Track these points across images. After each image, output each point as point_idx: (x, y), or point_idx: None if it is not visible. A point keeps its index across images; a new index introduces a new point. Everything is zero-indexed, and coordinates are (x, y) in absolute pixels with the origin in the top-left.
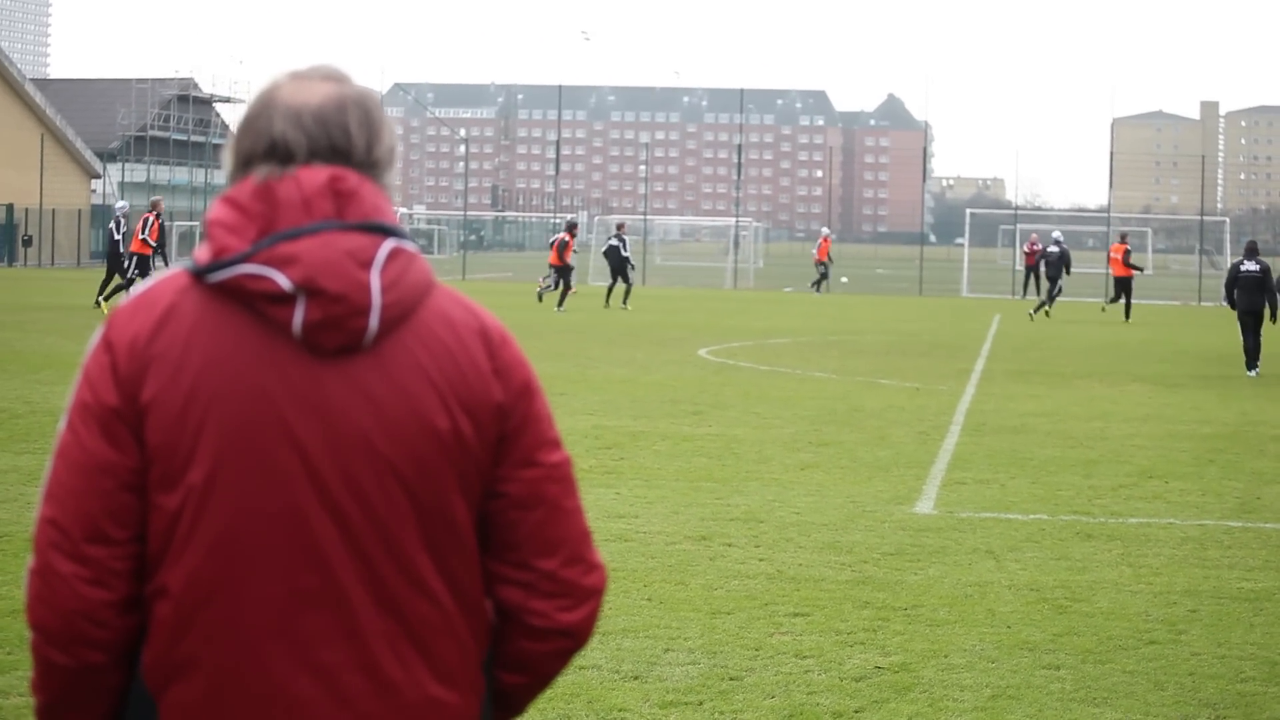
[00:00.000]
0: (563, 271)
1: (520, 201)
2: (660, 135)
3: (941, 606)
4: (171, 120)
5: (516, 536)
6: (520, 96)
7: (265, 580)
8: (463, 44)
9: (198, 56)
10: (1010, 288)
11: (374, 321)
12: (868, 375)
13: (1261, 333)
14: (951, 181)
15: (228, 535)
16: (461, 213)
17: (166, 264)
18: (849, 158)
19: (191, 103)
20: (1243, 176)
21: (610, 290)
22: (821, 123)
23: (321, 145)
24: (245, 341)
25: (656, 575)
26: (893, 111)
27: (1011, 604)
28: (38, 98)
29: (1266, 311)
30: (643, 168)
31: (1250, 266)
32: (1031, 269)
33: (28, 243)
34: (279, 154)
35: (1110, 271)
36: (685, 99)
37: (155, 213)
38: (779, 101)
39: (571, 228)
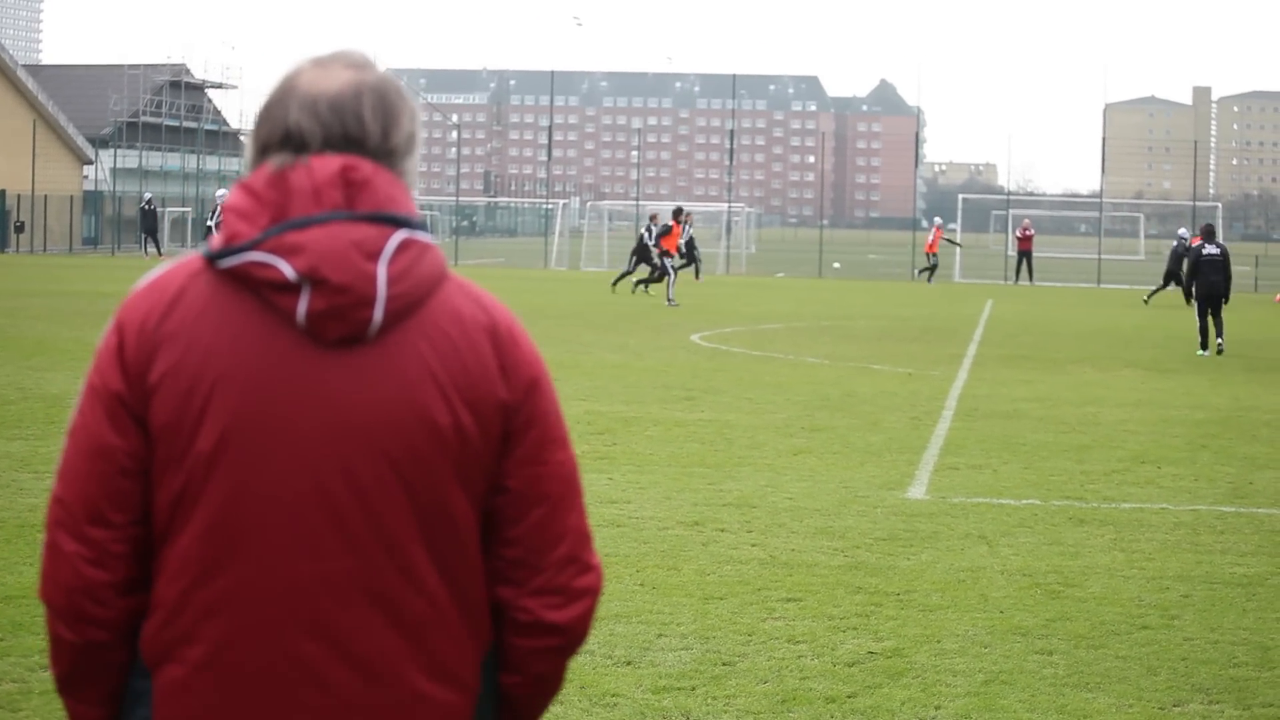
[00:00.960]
0: (663, 258)
1: (513, 187)
2: (653, 121)
3: (934, 591)
4: (164, 106)
5: (515, 533)
6: (512, 82)
7: (257, 564)
8: (455, 29)
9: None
10: (1003, 273)
11: (378, 313)
12: (860, 361)
13: (1222, 314)
14: (944, 167)
15: (222, 517)
16: (454, 198)
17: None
18: (841, 143)
19: (184, 88)
20: (1235, 162)
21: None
22: (814, 108)
23: (335, 133)
24: (251, 327)
25: (649, 560)
26: (885, 97)
27: (1004, 589)
28: (30, 84)
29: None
30: (635, 153)
31: (1211, 250)
32: (1024, 254)
33: (20, 229)
34: (294, 142)
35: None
36: (678, 84)
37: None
38: (771, 87)
39: (678, 214)
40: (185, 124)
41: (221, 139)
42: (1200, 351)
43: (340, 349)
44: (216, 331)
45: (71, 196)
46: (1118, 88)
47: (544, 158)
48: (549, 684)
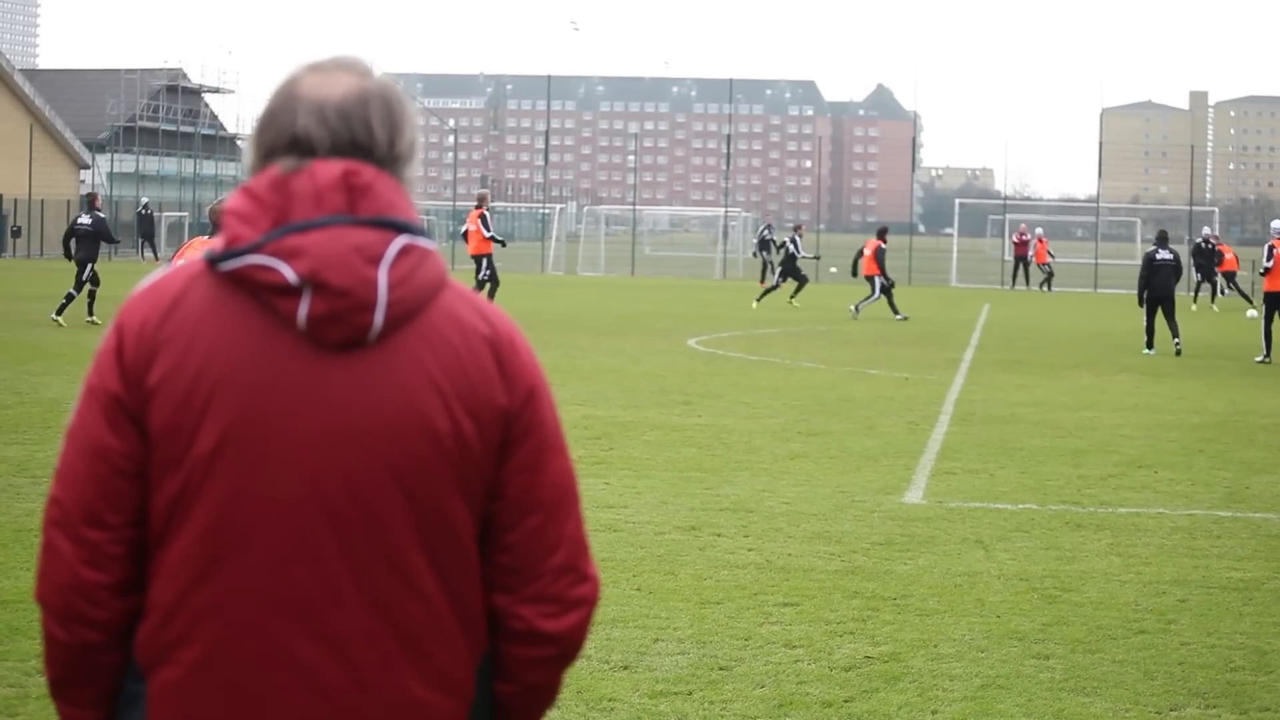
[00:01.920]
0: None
1: (509, 192)
2: (649, 125)
3: (931, 596)
4: (160, 110)
5: (511, 539)
6: (509, 87)
7: (255, 567)
8: (451, 34)
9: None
10: (999, 278)
11: (379, 318)
12: (857, 365)
13: (1175, 315)
14: (940, 171)
15: (220, 520)
16: (450, 203)
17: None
18: (838, 148)
19: (180, 93)
20: (1231, 166)
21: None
22: (810, 113)
23: (343, 140)
24: (251, 331)
25: (646, 565)
26: (882, 101)
27: (1001, 594)
28: (26, 88)
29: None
30: (632, 158)
31: (1165, 255)
32: (1020, 258)
33: (16, 233)
34: (301, 148)
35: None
36: (674, 89)
37: None
38: (768, 91)
39: (882, 233)
40: (182, 128)
41: (218, 144)
42: (1146, 350)
43: (340, 353)
44: (217, 334)
45: (68, 201)
46: (1114, 92)
47: (541, 162)
48: (544, 693)
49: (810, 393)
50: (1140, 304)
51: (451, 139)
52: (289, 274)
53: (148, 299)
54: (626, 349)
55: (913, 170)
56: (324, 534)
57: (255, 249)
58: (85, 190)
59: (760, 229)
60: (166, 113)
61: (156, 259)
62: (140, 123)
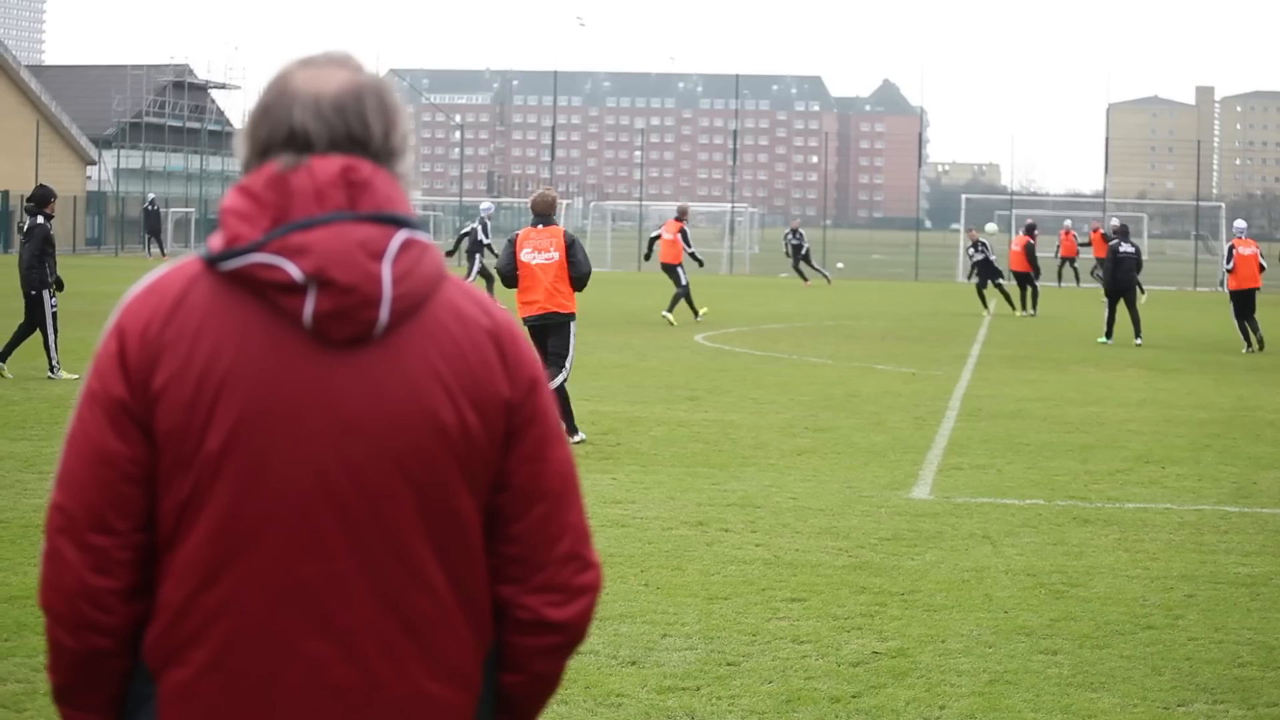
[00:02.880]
0: (1025, 279)
1: (516, 188)
2: (655, 121)
3: (938, 592)
4: (167, 106)
5: (517, 530)
6: (515, 82)
7: (264, 564)
8: (458, 29)
9: (193, 43)
10: (1005, 273)
11: (384, 313)
12: (864, 360)
13: (1136, 306)
14: (947, 167)
15: (230, 518)
16: (457, 199)
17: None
18: (844, 143)
19: (187, 89)
20: (1238, 162)
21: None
22: (817, 108)
23: (340, 134)
24: (255, 329)
25: (653, 561)
26: (888, 97)
27: (1008, 589)
28: (33, 84)
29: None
30: (638, 153)
31: (1127, 248)
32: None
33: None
34: (298, 143)
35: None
36: (680, 85)
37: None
38: (774, 87)
39: (1030, 230)
40: (188, 124)
41: (225, 139)
42: (1103, 339)
43: (346, 349)
44: (220, 334)
45: (75, 197)
46: (1121, 87)
47: (547, 158)
48: (549, 682)
49: (817, 388)
50: (1105, 295)
51: (458, 134)
52: (294, 271)
53: (148, 301)
54: (633, 344)
55: (919, 166)
56: (332, 529)
57: (258, 247)
58: (91, 187)
59: (785, 234)
60: (173, 109)
61: (164, 255)
62: (147, 119)
